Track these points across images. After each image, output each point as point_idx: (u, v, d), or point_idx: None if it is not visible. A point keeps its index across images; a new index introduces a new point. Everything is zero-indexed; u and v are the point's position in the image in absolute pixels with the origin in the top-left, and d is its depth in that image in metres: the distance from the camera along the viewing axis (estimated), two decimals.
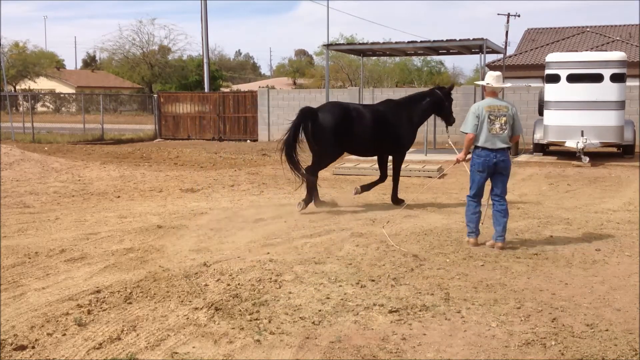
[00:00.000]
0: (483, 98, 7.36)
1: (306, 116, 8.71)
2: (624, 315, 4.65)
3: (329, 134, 8.74)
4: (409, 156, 16.25)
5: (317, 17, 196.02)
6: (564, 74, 15.99)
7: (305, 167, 8.86)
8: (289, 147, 8.54)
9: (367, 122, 9.01)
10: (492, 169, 6.68)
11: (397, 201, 9.36)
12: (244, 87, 64.59)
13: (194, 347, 4.06)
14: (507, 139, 6.67)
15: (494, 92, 6.88)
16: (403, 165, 11.81)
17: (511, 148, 6.74)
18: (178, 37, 72.78)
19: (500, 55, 26.53)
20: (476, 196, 6.86)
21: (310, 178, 8.84)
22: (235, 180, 12.50)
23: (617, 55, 16.41)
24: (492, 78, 6.83)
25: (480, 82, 7.27)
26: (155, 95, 27.07)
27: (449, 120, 9.61)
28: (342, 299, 4.96)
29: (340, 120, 8.83)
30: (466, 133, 6.78)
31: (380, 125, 9.12)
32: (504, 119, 6.62)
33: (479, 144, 6.69)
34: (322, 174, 13.74)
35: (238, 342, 4.14)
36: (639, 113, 19.14)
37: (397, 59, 46.17)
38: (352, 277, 5.54)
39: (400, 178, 12.51)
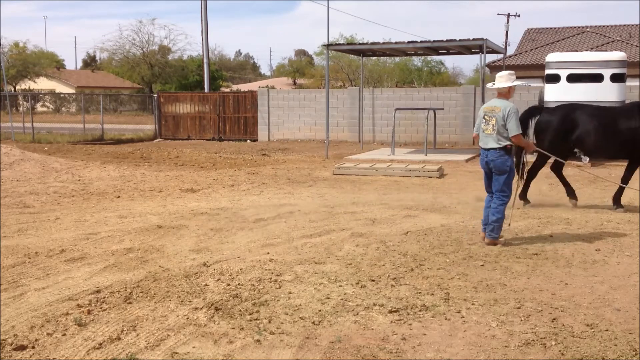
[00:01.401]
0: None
1: (532, 114, 9.10)
2: (624, 315, 4.64)
3: (546, 133, 8.91)
4: (408, 156, 16.17)
5: (317, 17, 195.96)
6: (564, 74, 16.00)
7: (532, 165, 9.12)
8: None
9: (595, 125, 8.73)
10: (486, 167, 6.87)
11: (618, 203, 9.01)
12: (244, 87, 64.61)
13: (194, 347, 4.06)
14: (499, 139, 6.72)
15: (500, 93, 6.95)
16: (402, 165, 11.76)
17: (510, 149, 6.77)
18: (178, 37, 72.62)
19: (500, 55, 26.52)
20: (488, 192, 7.02)
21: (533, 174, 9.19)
22: (235, 180, 12.49)
23: (617, 55, 16.42)
24: (495, 79, 6.99)
25: (488, 85, 7.40)
26: (155, 95, 27.06)
27: None
28: (342, 299, 4.96)
29: (560, 121, 8.86)
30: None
31: (614, 128, 8.67)
32: (494, 119, 6.73)
33: (479, 143, 6.98)
34: (322, 174, 13.77)
35: (238, 342, 4.14)
36: None
37: (397, 59, 46.12)
38: (352, 277, 5.54)
39: (399, 178, 12.52)
